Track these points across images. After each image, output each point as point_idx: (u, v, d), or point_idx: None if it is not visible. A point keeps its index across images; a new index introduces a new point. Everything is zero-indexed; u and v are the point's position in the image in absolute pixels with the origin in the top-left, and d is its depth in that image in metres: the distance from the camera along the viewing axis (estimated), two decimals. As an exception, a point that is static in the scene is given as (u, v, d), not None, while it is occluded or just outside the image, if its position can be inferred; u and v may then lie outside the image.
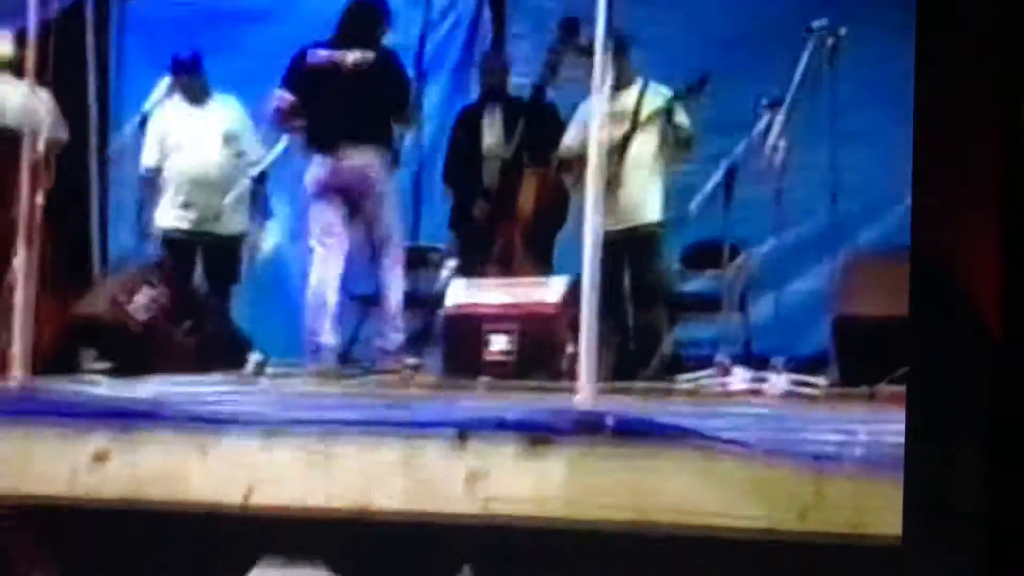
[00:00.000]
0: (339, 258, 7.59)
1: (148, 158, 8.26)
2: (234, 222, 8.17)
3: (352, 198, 7.61)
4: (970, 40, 3.14)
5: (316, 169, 7.64)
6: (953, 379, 3.14)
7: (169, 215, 8.17)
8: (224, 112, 8.29)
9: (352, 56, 7.63)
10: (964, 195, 3.13)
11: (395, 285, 7.65)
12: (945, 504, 3.13)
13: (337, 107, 7.54)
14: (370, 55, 7.60)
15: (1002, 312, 3.07)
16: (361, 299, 8.48)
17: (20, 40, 7.19)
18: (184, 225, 8.16)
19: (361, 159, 7.55)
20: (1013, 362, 3.08)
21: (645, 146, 7.54)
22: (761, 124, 7.04)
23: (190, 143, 8.17)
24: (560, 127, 7.71)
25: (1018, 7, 3.14)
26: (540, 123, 7.76)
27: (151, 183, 8.26)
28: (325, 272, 7.56)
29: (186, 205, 8.16)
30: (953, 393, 3.14)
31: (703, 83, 7.43)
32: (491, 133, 7.96)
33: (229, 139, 8.22)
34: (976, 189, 3.12)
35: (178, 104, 8.21)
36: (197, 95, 8.22)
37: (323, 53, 7.69)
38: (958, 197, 3.13)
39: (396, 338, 7.58)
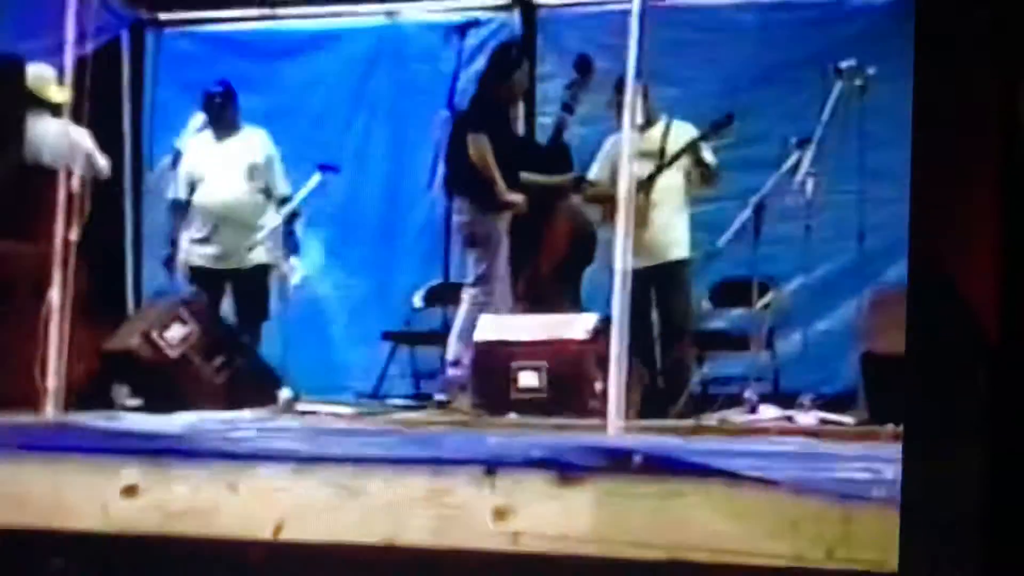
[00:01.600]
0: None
1: (177, 191, 8.36)
2: (260, 256, 8.19)
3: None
4: (969, 40, 3.14)
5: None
6: (952, 381, 3.12)
7: (194, 250, 8.24)
8: (250, 145, 8.31)
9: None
10: (962, 198, 3.12)
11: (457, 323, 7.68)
12: (943, 514, 3.11)
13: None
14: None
15: (1000, 316, 3.06)
16: (390, 336, 8.54)
17: (58, 78, 7.27)
18: (208, 262, 8.22)
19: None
20: (1011, 366, 3.06)
21: (672, 183, 7.57)
22: (790, 161, 7.06)
23: (213, 177, 8.23)
24: (571, 166, 7.77)
25: (1018, 8, 3.14)
26: (558, 161, 7.80)
27: (178, 214, 8.35)
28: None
29: (209, 239, 8.23)
30: (952, 396, 3.12)
31: (730, 120, 7.47)
32: None
33: (253, 172, 8.27)
34: (975, 192, 3.11)
35: (206, 138, 8.29)
36: (226, 128, 8.27)
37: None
38: (956, 199, 3.12)
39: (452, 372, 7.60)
